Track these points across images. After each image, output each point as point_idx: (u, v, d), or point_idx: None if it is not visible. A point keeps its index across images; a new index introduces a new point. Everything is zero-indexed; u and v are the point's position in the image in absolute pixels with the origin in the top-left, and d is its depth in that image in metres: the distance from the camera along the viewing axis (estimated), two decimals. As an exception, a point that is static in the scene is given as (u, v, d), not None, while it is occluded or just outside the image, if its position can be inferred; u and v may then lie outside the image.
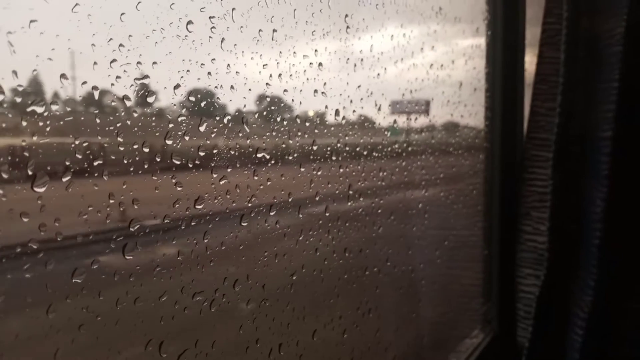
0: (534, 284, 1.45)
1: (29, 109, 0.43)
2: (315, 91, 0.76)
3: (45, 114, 0.44)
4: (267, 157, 0.68)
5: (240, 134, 0.64)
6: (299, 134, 0.75)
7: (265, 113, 0.69)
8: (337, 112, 0.82)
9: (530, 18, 1.61)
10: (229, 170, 0.62)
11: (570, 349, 1.35)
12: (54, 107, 0.45)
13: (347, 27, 0.82)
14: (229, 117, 0.63)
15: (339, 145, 0.83)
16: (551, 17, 1.45)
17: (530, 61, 1.61)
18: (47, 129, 0.45)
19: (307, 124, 0.76)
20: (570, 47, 1.38)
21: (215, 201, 0.60)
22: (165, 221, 0.54)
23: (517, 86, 1.56)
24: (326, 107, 0.79)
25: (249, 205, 0.65)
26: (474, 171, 1.47)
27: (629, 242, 1.33)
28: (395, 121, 0.99)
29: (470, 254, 1.48)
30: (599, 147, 1.32)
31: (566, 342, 1.36)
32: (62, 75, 0.45)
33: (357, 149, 0.89)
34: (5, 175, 0.42)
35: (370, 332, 0.90)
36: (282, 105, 0.71)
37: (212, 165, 0.60)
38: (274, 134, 0.70)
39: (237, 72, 0.61)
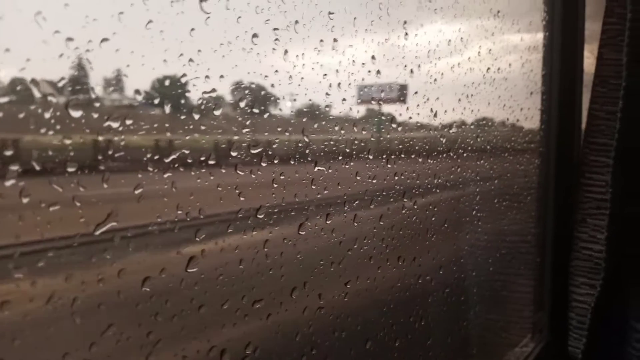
0: (588, 293, 1.40)
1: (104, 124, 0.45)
2: (373, 99, 0.76)
3: (120, 129, 0.45)
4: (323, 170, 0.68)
5: (300, 144, 0.65)
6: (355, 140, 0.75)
7: (324, 123, 0.69)
8: (392, 119, 0.81)
9: (587, 15, 1.55)
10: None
11: (625, 362, 1.31)
12: (128, 122, 0.46)
13: (406, 33, 0.81)
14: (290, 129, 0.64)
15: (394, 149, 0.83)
16: (612, 17, 1.39)
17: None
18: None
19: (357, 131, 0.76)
20: (633, 49, 1.32)
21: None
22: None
23: (575, 88, 1.50)
24: (382, 115, 0.79)
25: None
26: (528, 176, 1.43)
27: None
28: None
29: (523, 261, 1.45)
30: (663, 155, 1.26)
31: (622, 356, 1.32)
32: (136, 91, 0.46)
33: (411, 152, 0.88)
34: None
35: (421, 341, 0.90)
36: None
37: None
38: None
39: (298, 84, 0.62)
